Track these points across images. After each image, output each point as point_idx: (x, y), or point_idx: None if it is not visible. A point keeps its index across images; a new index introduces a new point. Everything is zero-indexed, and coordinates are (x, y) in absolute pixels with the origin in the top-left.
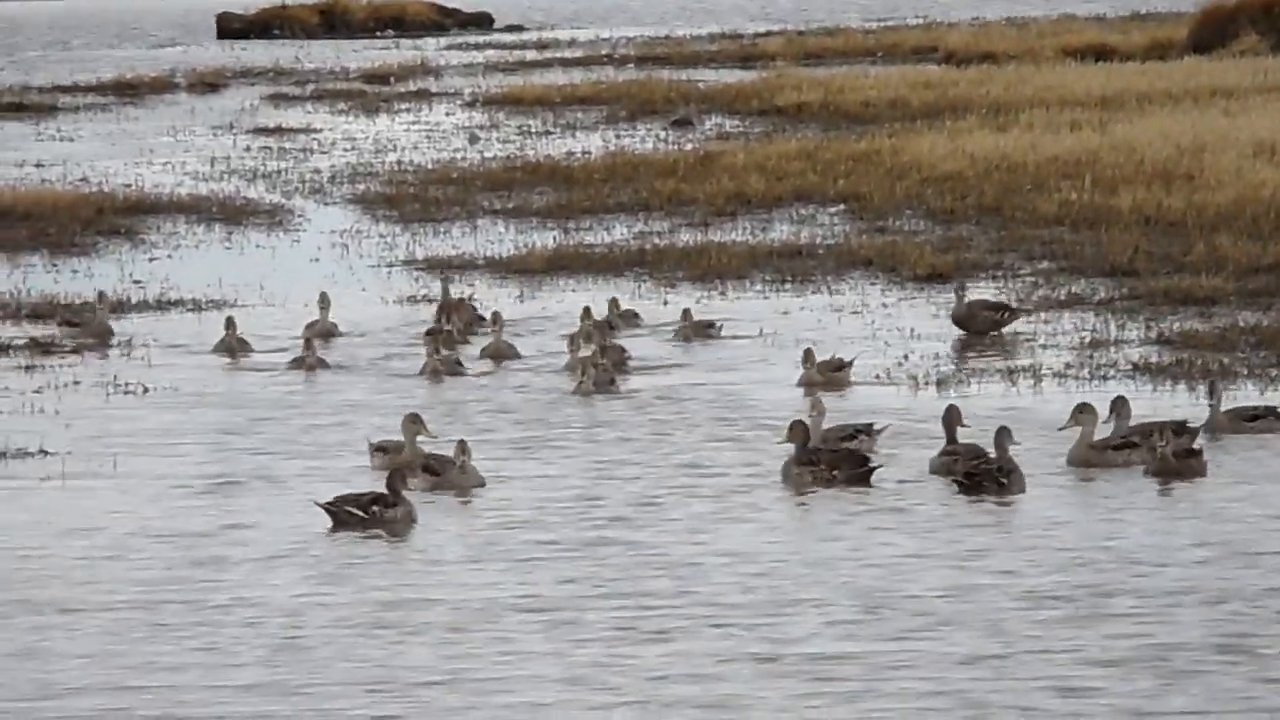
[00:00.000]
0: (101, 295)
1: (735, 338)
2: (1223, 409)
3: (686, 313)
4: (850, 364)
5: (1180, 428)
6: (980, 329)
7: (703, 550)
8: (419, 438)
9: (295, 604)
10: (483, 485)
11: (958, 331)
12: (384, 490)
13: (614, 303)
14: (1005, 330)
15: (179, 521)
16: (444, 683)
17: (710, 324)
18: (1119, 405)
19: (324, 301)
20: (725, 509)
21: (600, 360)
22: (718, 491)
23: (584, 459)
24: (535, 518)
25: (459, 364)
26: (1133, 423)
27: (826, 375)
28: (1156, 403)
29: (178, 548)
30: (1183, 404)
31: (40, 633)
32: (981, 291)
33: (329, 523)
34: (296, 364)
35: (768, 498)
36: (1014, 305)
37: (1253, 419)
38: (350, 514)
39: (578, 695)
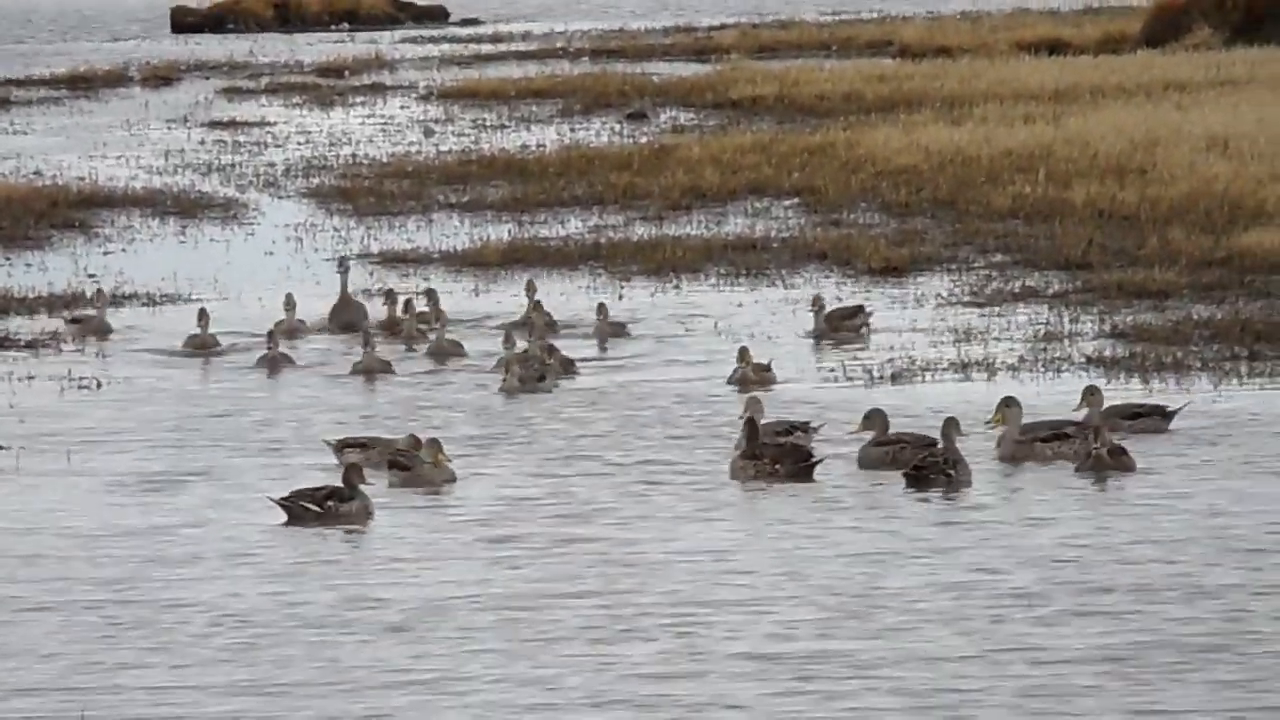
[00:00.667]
0: (99, 292)
1: (685, 334)
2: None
3: (602, 307)
4: (866, 314)
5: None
6: (844, 339)
7: (668, 548)
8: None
9: (251, 603)
10: (453, 481)
11: (914, 323)
12: (339, 484)
13: (538, 304)
14: (957, 324)
15: (131, 518)
16: (402, 684)
17: (622, 325)
18: (1089, 394)
19: (290, 302)
20: (682, 506)
21: (544, 358)
22: (674, 489)
23: (532, 457)
24: (497, 515)
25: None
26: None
27: (759, 374)
28: (1110, 396)
29: (130, 546)
30: (1136, 398)
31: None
32: (935, 286)
33: (283, 518)
34: (263, 362)
35: (719, 495)
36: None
37: (1134, 417)
38: (305, 508)
39: (544, 697)
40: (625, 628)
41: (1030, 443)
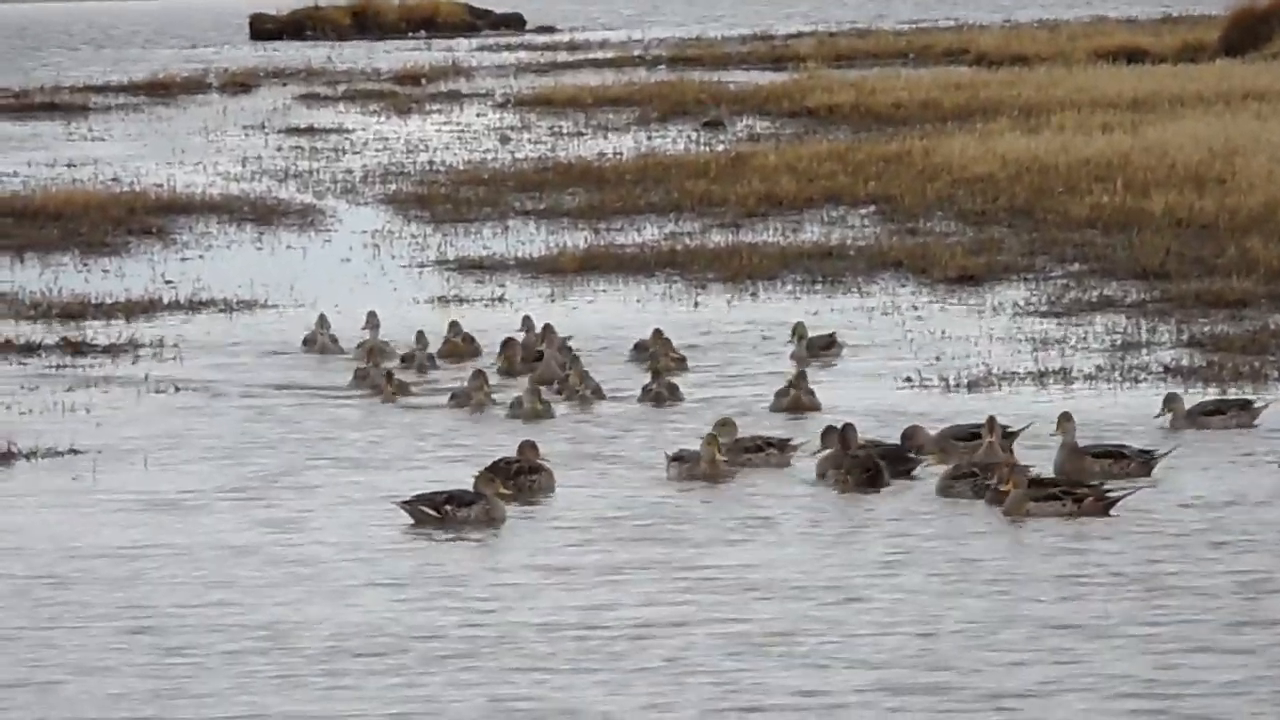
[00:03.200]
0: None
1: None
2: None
3: (658, 334)
4: (840, 344)
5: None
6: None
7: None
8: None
9: (375, 622)
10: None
11: (991, 332)
12: (461, 489)
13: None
14: (1034, 333)
15: (220, 533)
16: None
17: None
18: (1170, 402)
19: (373, 320)
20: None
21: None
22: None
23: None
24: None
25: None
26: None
27: (809, 399)
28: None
29: (226, 559)
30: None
31: (85, 651)
32: (1012, 295)
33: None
34: (361, 379)
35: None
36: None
37: (1217, 413)
38: (424, 512)
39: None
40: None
41: (1083, 457)
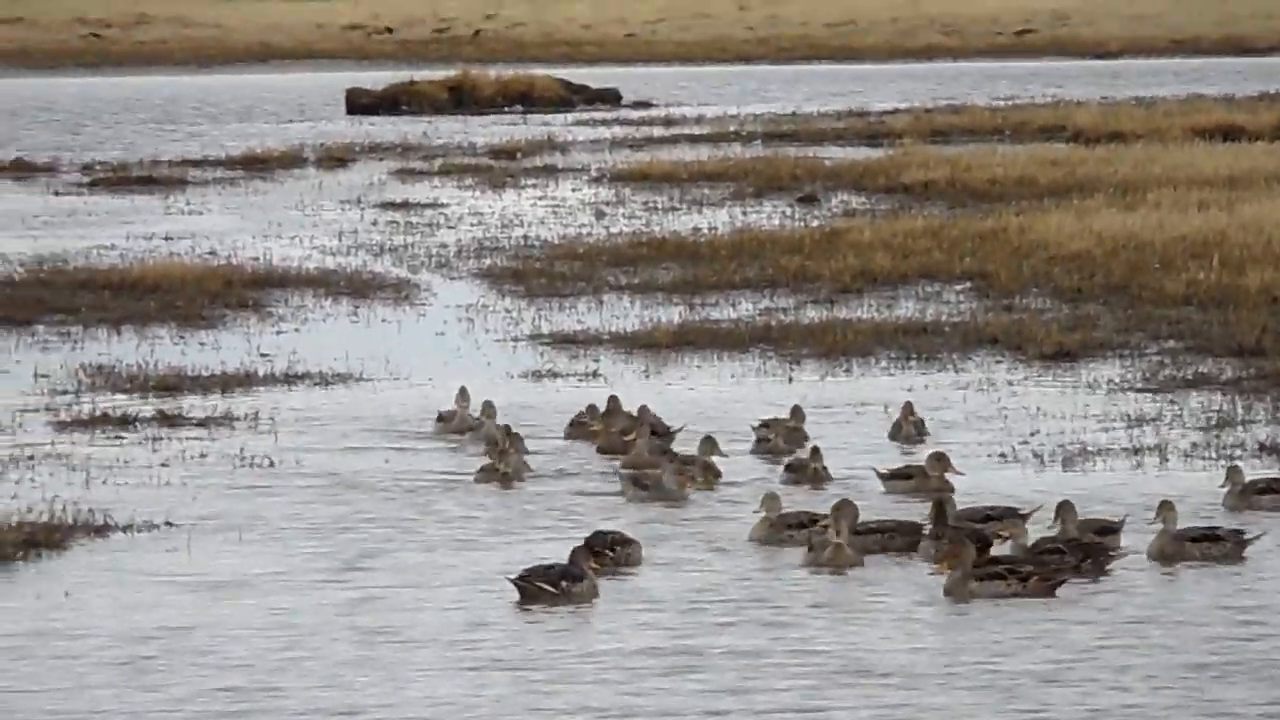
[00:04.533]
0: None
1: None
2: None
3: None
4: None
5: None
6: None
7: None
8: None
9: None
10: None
11: (1086, 409)
12: (569, 564)
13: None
14: (1129, 410)
15: (315, 610)
16: None
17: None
18: (1232, 474)
19: (464, 396)
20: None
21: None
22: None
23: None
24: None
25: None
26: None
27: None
28: None
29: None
30: None
31: None
32: (1107, 371)
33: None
34: (486, 475)
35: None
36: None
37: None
38: (540, 588)
39: None
40: None
41: (1181, 542)
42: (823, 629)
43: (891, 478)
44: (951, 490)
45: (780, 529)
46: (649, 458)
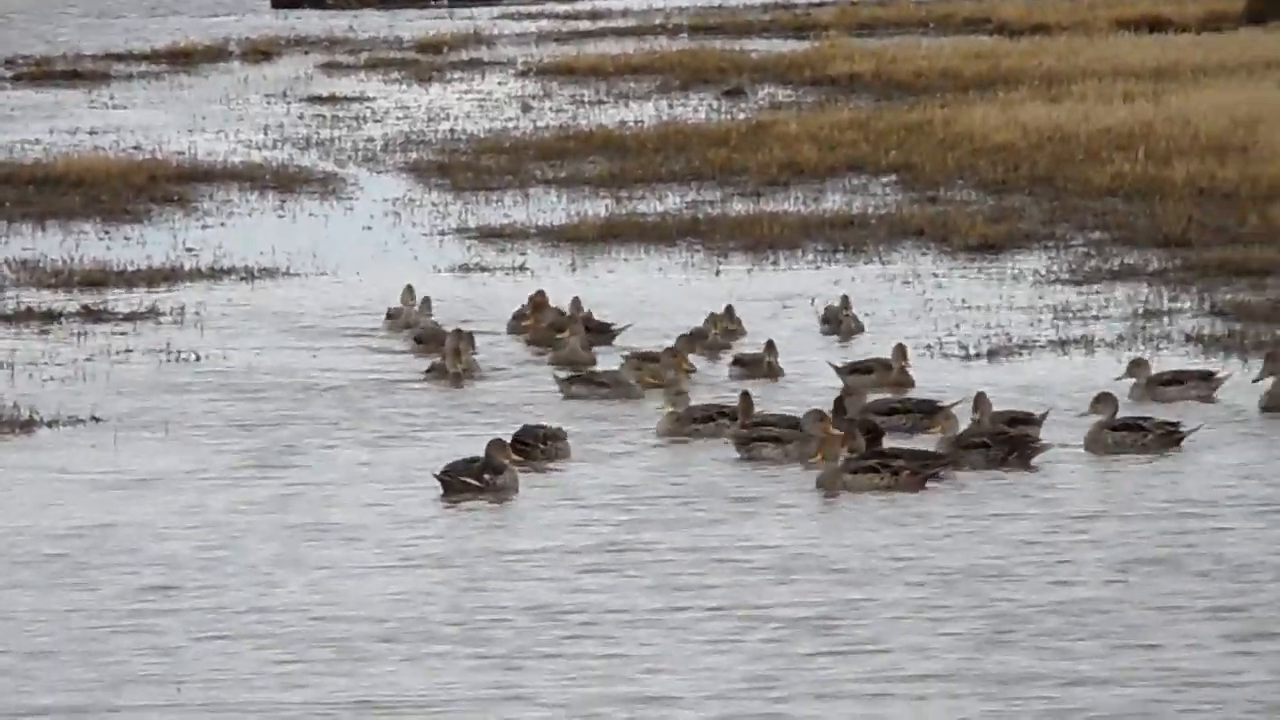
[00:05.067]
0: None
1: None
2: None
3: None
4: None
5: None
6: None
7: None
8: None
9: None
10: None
11: (1011, 300)
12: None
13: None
14: (1055, 302)
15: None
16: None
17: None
18: (1135, 366)
19: (411, 294)
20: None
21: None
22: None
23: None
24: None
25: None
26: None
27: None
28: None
29: (241, 530)
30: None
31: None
32: (1033, 263)
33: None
34: (437, 374)
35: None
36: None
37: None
38: (465, 483)
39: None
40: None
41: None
42: (754, 527)
43: (852, 372)
44: (912, 384)
45: (686, 423)
46: (583, 354)
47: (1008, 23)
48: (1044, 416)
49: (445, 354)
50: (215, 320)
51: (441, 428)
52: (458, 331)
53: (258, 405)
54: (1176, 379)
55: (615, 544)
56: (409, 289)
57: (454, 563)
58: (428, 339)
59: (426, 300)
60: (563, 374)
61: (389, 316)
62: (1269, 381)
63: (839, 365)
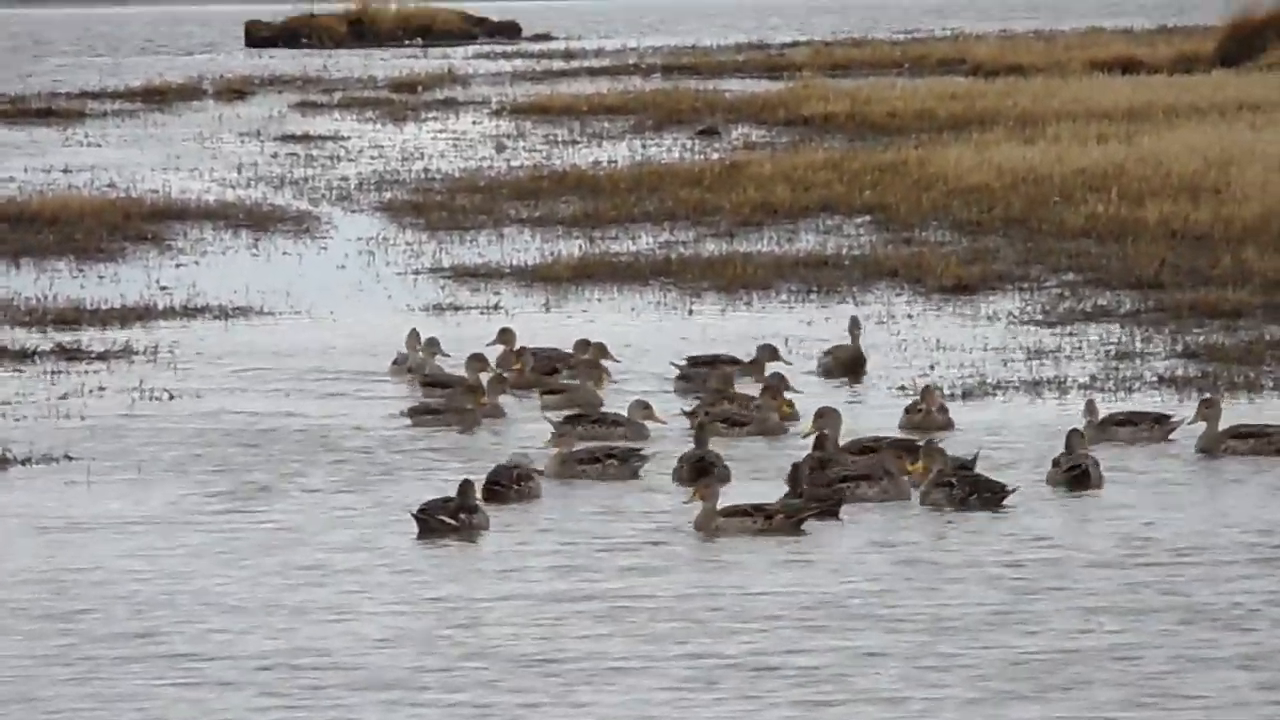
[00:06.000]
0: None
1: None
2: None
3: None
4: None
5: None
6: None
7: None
8: None
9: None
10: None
11: (985, 341)
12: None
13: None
14: (1029, 343)
15: (213, 543)
16: None
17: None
18: (1206, 405)
19: (415, 338)
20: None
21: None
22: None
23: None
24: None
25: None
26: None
27: (942, 416)
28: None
29: (218, 569)
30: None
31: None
32: (1007, 305)
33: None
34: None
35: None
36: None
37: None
38: (442, 522)
39: None
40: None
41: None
42: (724, 573)
43: (693, 365)
44: (948, 426)
45: (572, 465)
46: (595, 396)
47: (982, 64)
48: (975, 458)
49: (474, 388)
50: (189, 359)
51: (418, 469)
52: (496, 372)
53: (231, 445)
54: (1130, 419)
55: (588, 592)
56: (414, 333)
57: (430, 606)
58: (437, 382)
59: (434, 341)
60: (559, 416)
61: (395, 363)
62: (1202, 425)
63: (680, 363)
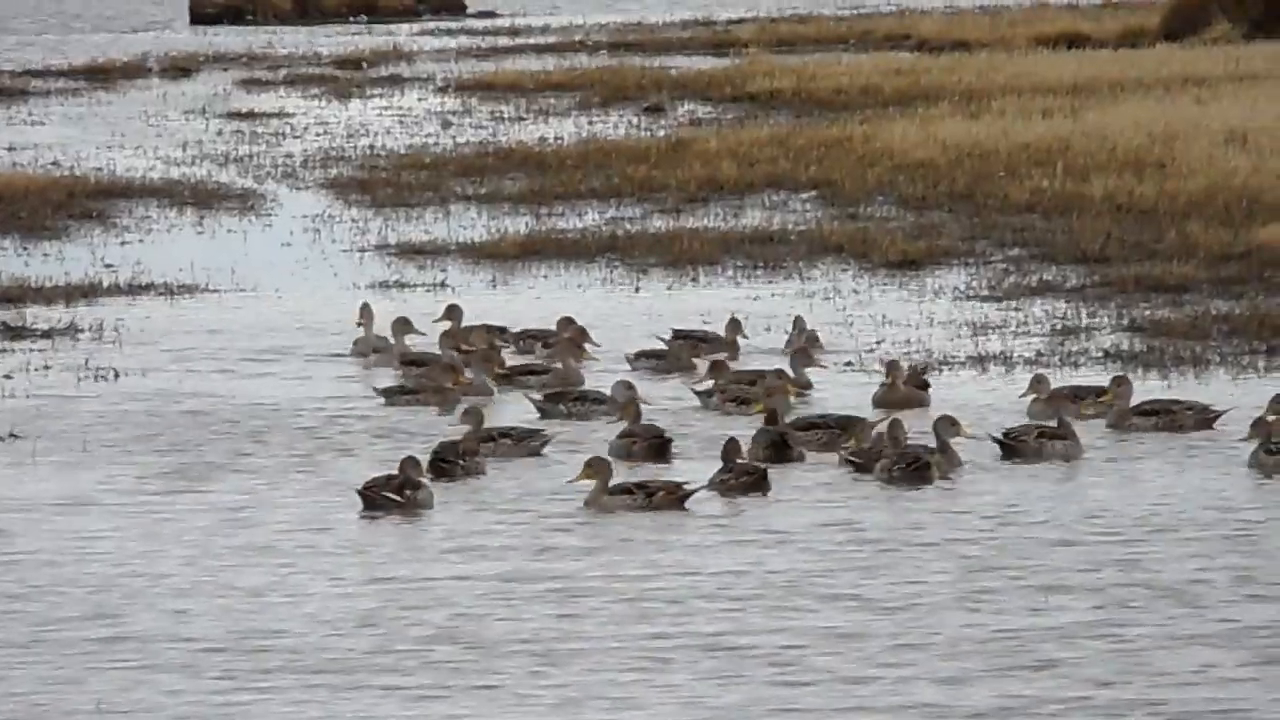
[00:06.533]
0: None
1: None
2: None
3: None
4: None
5: None
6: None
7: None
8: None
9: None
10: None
11: (931, 316)
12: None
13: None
14: (975, 317)
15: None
16: None
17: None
18: (1037, 382)
19: (367, 314)
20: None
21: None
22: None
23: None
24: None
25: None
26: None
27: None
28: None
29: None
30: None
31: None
32: (952, 279)
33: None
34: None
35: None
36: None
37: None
38: (387, 498)
39: None
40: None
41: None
42: (677, 553)
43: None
44: (920, 402)
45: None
46: (575, 375)
47: (927, 39)
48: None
49: (453, 366)
50: (135, 337)
51: (367, 447)
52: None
53: (179, 424)
54: (1076, 395)
55: (528, 572)
56: (365, 307)
57: (375, 586)
58: (416, 360)
59: (406, 320)
60: (539, 395)
61: (356, 342)
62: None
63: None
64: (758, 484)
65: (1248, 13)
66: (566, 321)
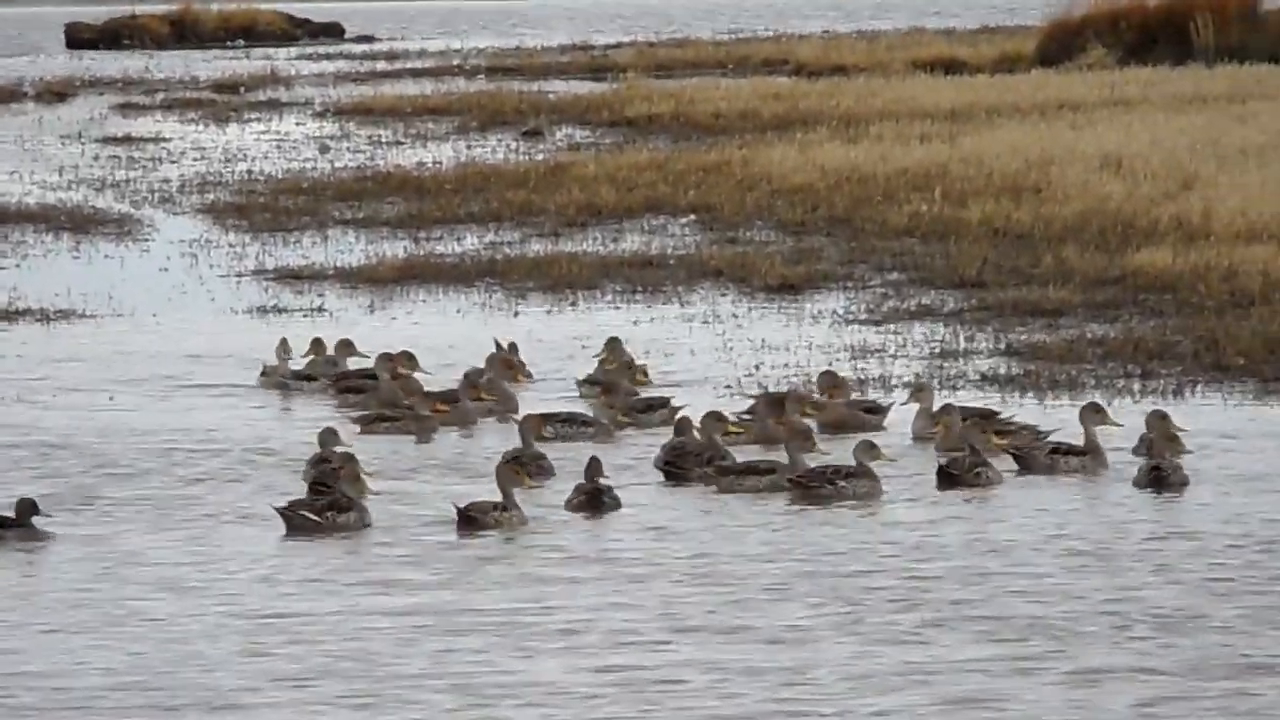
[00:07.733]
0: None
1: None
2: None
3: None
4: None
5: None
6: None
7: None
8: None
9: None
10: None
11: (810, 340)
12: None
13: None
14: (854, 341)
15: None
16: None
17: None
18: (918, 390)
19: (285, 348)
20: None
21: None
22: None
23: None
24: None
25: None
26: None
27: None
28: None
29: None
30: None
31: None
32: (831, 304)
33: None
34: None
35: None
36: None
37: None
38: (305, 518)
39: None
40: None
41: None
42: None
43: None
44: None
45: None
46: (510, 397)
47: (805, 64)
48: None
49: (494, 372)
50: (9, 363)
51: (251, 472)
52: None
53: (55, 452)
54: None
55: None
56: (284, 342)
57: (281, 618)
58: (352, 388)
59: (348, 342)
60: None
61: (263, 374)
62: (917, 410)
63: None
64: (590, 504)
65: (1122, 39)
66: (500, 345)
